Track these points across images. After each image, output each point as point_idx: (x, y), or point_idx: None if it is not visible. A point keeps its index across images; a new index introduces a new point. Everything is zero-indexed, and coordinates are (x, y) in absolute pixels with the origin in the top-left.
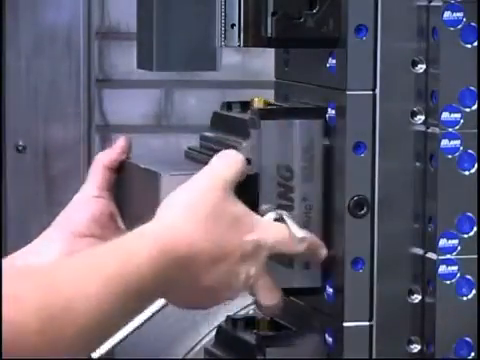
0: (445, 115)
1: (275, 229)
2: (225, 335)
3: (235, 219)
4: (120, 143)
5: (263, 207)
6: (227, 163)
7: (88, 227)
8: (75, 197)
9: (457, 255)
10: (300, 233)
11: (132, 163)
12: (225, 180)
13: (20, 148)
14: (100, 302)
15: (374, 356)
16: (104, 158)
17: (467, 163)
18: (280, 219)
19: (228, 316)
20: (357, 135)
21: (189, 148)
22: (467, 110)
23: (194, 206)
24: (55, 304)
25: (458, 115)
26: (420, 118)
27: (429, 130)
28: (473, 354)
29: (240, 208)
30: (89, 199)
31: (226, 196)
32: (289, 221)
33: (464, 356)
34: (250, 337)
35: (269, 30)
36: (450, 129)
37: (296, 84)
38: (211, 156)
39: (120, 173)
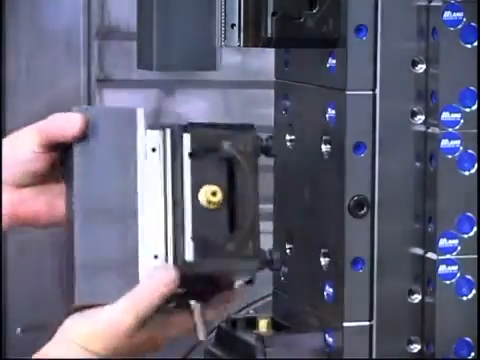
0: (445, 115)
1: (183, 323)
2: (225, 335)
3: None
4: (77, 124)
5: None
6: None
7: (26, 179)
8: (14, 145)
9: (457, 255)
10: (202, 336)
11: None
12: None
13: None
14: None
15: (374, 356)
16: (54, 132)
17: (467, 163)
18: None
19: (228, 316)
20: (357, 135)
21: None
22: (467, 110)
23: None
24: None
25: (458, 115)
26: (420, 118)
27: (429, 130)
28: (473, 354)
29: None
30: (29, 154)
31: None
32: (198, 321)
33: (464, 356)
34: (250, 337)
35: (269, 30)
36: (450, 129)
37: (296, 84)
38: None
39: (66, 153)
